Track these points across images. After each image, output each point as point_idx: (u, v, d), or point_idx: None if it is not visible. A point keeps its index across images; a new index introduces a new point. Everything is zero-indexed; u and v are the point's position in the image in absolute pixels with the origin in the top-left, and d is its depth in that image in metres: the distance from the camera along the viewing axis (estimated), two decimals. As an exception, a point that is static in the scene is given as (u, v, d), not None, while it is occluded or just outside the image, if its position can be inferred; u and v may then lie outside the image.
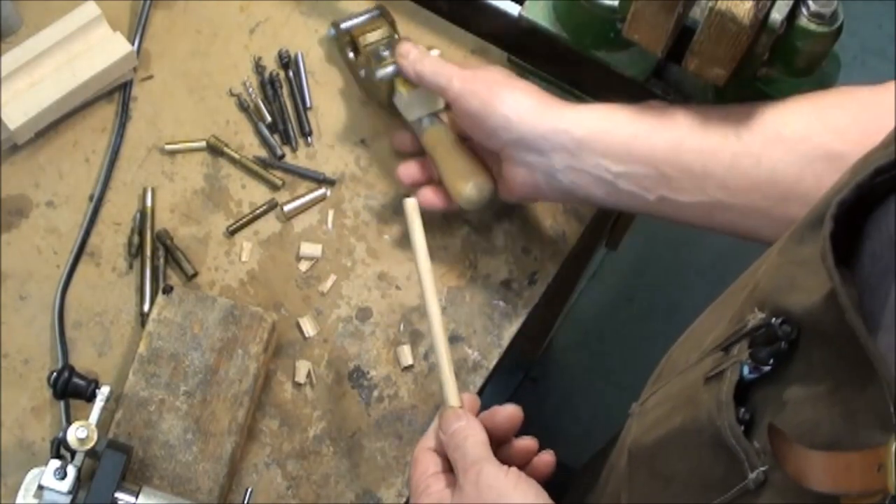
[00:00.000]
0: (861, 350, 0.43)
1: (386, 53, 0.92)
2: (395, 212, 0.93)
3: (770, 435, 0.51)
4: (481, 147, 0.86)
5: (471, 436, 0.69)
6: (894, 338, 0.44)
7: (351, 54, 0.96)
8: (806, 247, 0.51)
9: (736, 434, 0.52)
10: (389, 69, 0.90)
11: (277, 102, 0.96)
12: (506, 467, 0.67)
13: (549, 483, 0.70)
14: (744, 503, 0.51)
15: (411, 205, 0.77)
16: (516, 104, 0.80)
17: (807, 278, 0.50)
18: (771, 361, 0.52)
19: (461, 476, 0.67)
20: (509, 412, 0.72)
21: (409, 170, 0.89)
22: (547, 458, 0.73)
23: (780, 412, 0.51)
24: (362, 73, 0.94)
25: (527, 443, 0.73)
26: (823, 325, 0.48)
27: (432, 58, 0.86)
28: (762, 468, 0.50)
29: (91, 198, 0.92)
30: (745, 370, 0.54)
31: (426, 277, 0.75)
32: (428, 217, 0.93)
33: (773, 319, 0.51)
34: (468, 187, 0.86)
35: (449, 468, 0.70)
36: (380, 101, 0.95)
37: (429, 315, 0.74)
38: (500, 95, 0.80)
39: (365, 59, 0.93)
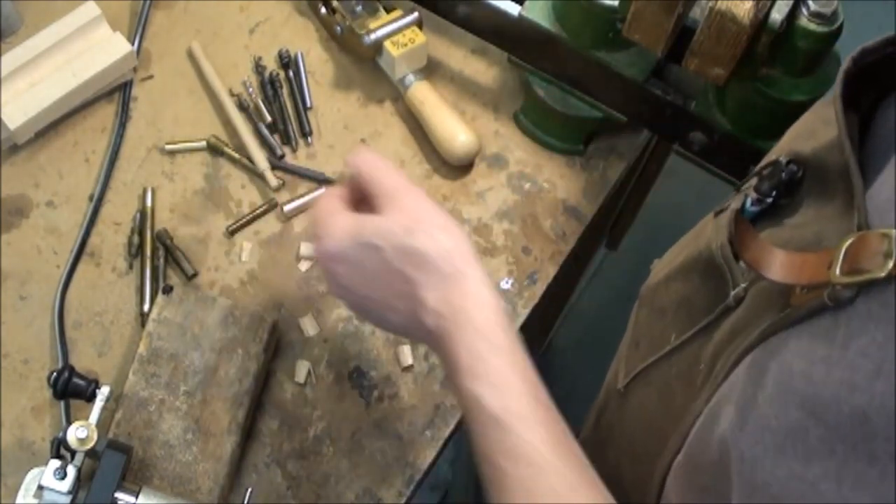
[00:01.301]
0: (849, 185, 0.46)
1: (360, 9, 0.96)
2: (395, 212, 0.93)
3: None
4: None
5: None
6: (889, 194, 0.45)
7: (323, 9, 0.99)
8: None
9: (726, 254, 0.54)
10: (376, 35, 0.93)
11: (277, 102, 0.96)
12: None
13: None
14: (721, 320, 0.54)
15: (197, 47, 0.95)
16: None
17: (825, 131, 0.52)
18: (773, 194, 0.55)
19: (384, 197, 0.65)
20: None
21: None
22: None
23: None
24: (338, 28, 0.97)
25: None
26: (826, 167, 0.51)
27: None
28: (743, 284, 0.53)
29: (91, 198, 0.92)
30: (748, 202, 0.56)
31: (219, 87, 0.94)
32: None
33: (781, 158, 0.54)
34: (458, 141, 0.91)
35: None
36: (359, 56, 0.97)
37: (228, 111, 0.91)
38: None
39: (340, 16, 0.96)
